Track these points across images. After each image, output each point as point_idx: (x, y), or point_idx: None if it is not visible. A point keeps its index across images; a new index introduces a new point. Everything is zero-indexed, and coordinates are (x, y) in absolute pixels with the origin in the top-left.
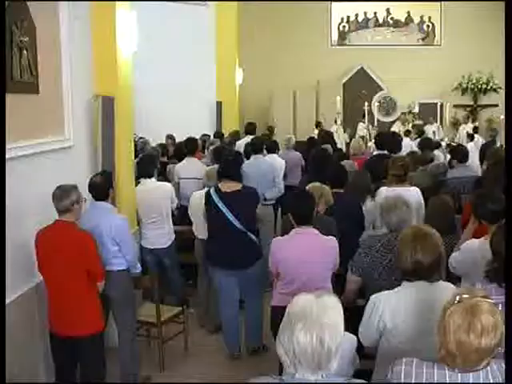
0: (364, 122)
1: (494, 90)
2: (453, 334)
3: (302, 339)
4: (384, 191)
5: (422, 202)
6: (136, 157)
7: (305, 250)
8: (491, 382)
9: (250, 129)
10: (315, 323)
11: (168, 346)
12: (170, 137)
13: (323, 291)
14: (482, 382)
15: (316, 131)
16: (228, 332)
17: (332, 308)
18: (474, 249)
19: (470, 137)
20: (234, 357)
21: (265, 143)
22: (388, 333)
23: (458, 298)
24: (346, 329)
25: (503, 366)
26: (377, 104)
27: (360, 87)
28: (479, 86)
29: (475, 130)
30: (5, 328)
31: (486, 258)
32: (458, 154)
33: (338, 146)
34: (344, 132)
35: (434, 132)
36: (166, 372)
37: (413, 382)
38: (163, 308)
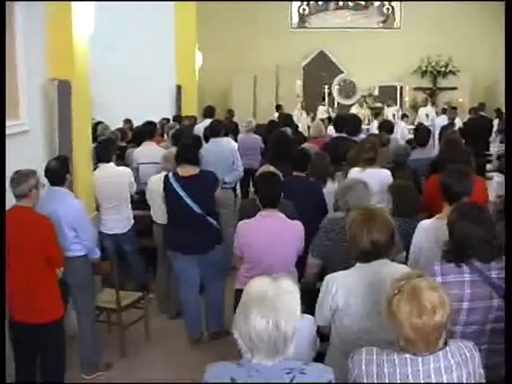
0: (324, 105)
1: (453, 73)
2: (406, 322)
3: (257, 324)
4: (355, 173)
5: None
6: (95, 141)
7: (271, 233)
8: (451, 361)
9: (208, 112)
10: (271, 307)
11: (129, 332)
12: (127, 121)
13: (280, 275)
14: (442, 362)
15: (276, 114)
16: (189, 317)
17: (288, 292)
18: (427, 229)
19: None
20: (195, 341)
21: (225, 126)
22: (340, 312)
23: (396, 287)
24: (306, 312)
25: (460, 344)
26: (337, 87)
27: (320, 70)
28: (438, 69)
29: (444, 111)
30: (4, 328)
31: (439, 238)
32: (419, 135)
33: (300, 129)
34: (305, 115)
35: (393, 115)
36: (127, 358)
37: (374, 370)
38: (123, 294)
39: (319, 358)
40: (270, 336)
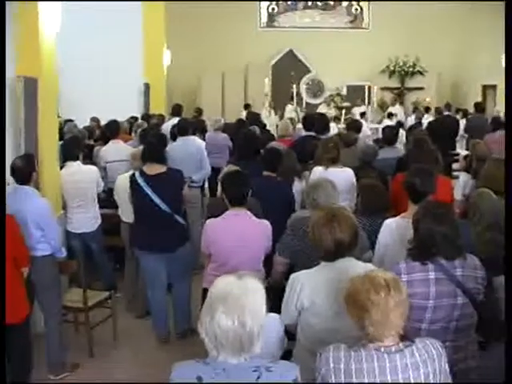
0: (292, 104)
1: (420, 73)
2: (363, 297)
3: (223, 322)
4: (318, 172)
5: (355, 182)
6: (62, 139)
7: (238, 232)
8: (418, 359)
9: (176, 111)
10: (236, 306)
11: (96, 332)
12: (94, 119)
13: (245, 273)
14: (409, 359)
15: (244, 113)
16: (156, 316)
17: (253, 290)
18: (392, 228)
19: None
20: (162, 341)
21: (193, 124)
22: (306, 311)
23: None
24: (274, 310)
25: (427, 342)
26: (305, 86)
27: (289, 69)
28: (406, 69)
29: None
30: (5, 328)
31: (404, 236)
32: (386, 135)
33: (268, 127)
34: (274, 114)
35: (361, 114)
36: (94, 358)
37: (342, 367)
38: (90, 293)
39: (287, 356)
40: (235, 334)
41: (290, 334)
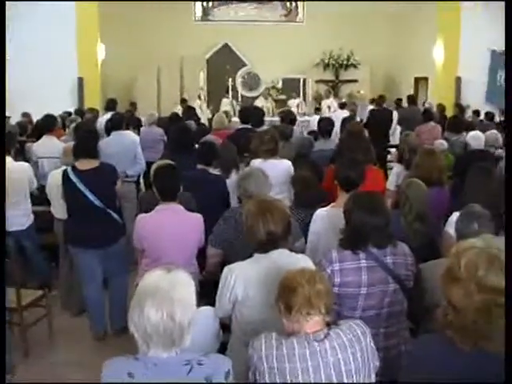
0: (228, 98)
1: (354, 66)
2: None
3: (152, 316)
4: (257, 164)
5: (293, 173)
6: None
7: (170, 226)
8: (344, 339)
9: (110, 105)
10: (165, 299)
11: (32, 332)
12: (25, 115)
13: (173, 267)
14: (336, 341)
15: (179, 107)
16: (92, 313)
17: (182, 283)
18: (323, 217)
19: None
20: (100, 338)
21: (126, 119)
22: (240, 303)
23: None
24: (210, 303)
25: (351, 324)
26: (241, 79)
27: (224, 63)
28: (340, 62)
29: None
30: (5, 326)
31: (336, 225)
32: (322, 127)
33: (202, 121)
34: (209, 107)
35: (297, 106)
36: (30, 359)
37: (274, 353)
38: (24, 292)
39: (224, 348)
40: (165, 328)
41: (225, 326)
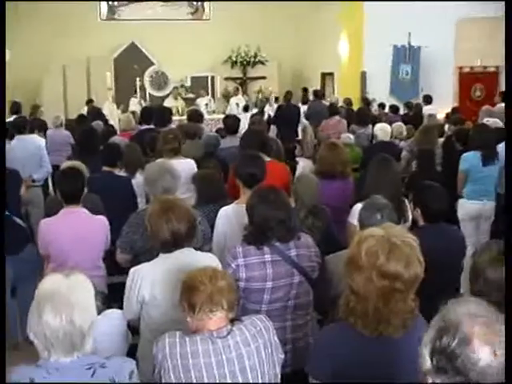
0: (136, 98)
1: (262, 63)
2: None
3: (51, 321)
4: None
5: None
6: None
7: (74, 230)
8: (247, 334)
9: (14, 108)
10: (64, 303)
11: None
12: None
13: (73, 271)
14: (239, 337)
15: (86, 108)
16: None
17: (81, 287)
18: (228, 214)
19: (245, 108)
20: (12, 347)
21: (30, 122)
22: (147, 304)
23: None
24: (121, 307)
25: (254, 318)
26: (149, 79)
27: (131, 62)
28: (247, 59)
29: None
30: (5, 325)
31: (242, 221)
32: (229, 124)
33: (111, 122)
34: (117, 108)
35: (206, 104)
36: None
37: (178, 350)
38: None
39: (133, 350)
40: (65, 332)
41: (134, 328)
